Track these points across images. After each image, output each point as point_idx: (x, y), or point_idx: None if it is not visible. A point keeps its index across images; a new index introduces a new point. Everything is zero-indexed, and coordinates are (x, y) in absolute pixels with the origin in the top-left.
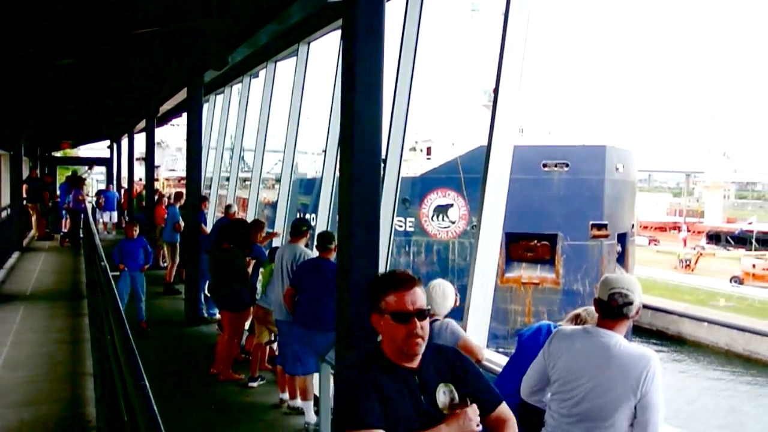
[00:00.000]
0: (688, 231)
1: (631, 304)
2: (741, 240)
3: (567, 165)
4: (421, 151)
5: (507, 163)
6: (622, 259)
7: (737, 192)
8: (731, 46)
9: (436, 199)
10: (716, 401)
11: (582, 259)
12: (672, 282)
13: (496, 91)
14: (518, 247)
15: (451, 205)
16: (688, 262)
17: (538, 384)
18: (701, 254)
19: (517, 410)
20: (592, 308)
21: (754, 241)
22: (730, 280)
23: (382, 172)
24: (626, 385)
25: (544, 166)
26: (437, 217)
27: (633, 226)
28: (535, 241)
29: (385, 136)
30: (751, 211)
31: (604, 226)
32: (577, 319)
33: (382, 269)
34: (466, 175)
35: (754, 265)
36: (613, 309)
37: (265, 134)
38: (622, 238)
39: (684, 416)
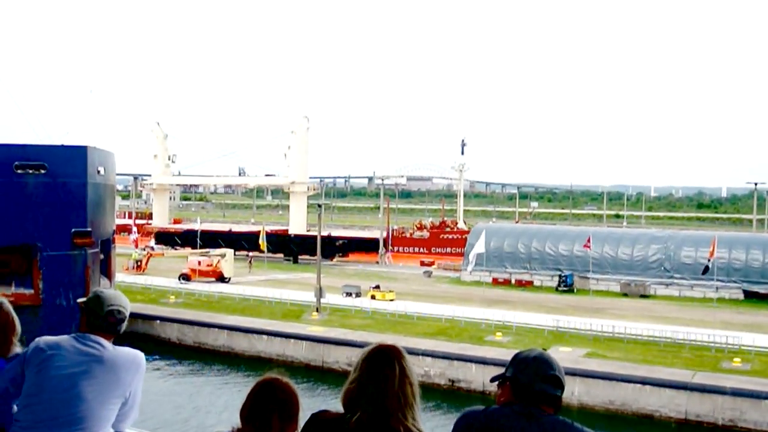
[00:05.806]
0: (138, 233)
1: (124, 321)
2: (187, 239)
3: (45, 167)
4: None
5: None
6: (105, 266)
7: (182, 194)
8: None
9: None
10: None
11: (65, 270)
12: (124, 283)
13: None
14: None
15: None
16: (139, 263)
17: (6, 392)
18: (151, 255)
19: None
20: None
21: (199, 240)
22: (179, 278)
23: None
24: (117, 387)
25: (17, 168)
26: None
27: (114, 231)
28: (8, 254)
29: None
30: (195, 211)
31: (89, 234)
32: None
33: None
34: None
35: (199, 263)
36: (110, 324)
37: None
38: (106, 245)
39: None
